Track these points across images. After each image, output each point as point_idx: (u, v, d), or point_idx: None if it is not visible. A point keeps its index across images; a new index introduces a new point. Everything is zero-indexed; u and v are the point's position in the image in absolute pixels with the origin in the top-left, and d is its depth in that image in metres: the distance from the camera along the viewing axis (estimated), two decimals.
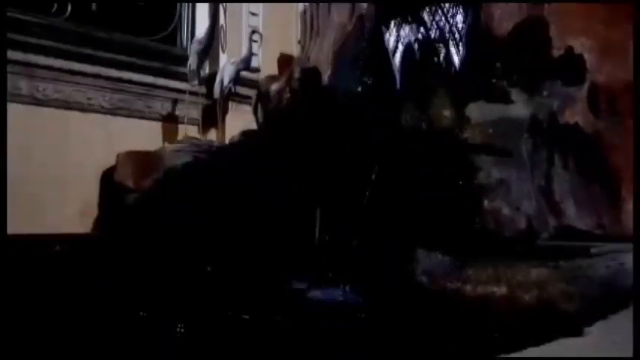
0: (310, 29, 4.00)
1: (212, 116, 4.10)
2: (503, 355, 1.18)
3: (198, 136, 3.95)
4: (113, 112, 3.71)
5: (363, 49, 3.15)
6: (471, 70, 2.74)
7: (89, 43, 3.66)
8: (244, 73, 4.10)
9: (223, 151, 3.34)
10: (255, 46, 4.14)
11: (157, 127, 3.93)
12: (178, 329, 1.61)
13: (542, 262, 1.69)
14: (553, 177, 2.30)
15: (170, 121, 3.99)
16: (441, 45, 2.91)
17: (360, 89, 3.02)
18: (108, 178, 3.32)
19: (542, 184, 2.25)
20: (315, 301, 1.87)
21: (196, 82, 3.95)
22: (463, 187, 2.03)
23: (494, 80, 2.52)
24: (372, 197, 2.00)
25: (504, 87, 2.43)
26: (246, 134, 3.21)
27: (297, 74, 3.69)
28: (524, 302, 1.62)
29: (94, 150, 3.50)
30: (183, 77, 3.95)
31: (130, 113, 3.79)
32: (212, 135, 4.14)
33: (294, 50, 4.49)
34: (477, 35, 2.79)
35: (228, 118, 4.17)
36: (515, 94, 2.36)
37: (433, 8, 2.96)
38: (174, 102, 3.99)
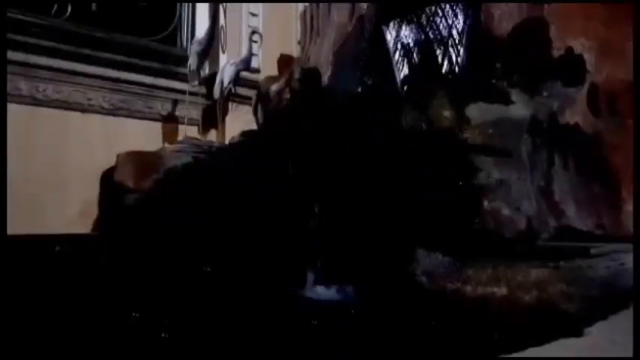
0: (310, 30, 4.01)
1: (212, 117, 4.10)
2: (503, 356, 1.18)
3: (198, 136, 3.95)
4: (113, 112, 3.71)
5: (363, 49, 3.15)
6: (471, 70, 2.74)
7: (89, 44, 3.66)
8: (244, 74, 4.10)
9: (223, 152, 3.34)
10: (255, 46, 4.14)
11: (157, 127, 3.93)
12: (178, 329, 1.61)
13: (542, 262, 1.69)
14: (553, 177, 2.29)
15: (170, 121, 3.99)
16: (441, 45, 2.91)
17: (360, 89, 3.03)
18: (108, 179, 3.32)
19: (542, 185, 2.25)
20: (314, 302, 1.87)
21: (196, 82, 3.95)
22: (463, 187, 2.03)
23: (494, 81, 2.52)
24: (372, 197, 2.00)
25: (504, 87, 2.43)
26: (246, 135, 3.21)
27: (297, 75, 3.70)
28: (524, 303, 1.62)
29: (94, 150, 3.50)
30: (183, 78, 3.95)
31: (130, 114, 3.79)
32: (212, 135, 4.14)
33: (294, 51, 4.50)
34: (476, 36, 2.79)
35: (228, 118, 4.17)
36: (515, 94, 2.36)
37: (433, 9, 2.96)
38: (175, 102, 3.99)
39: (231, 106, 4.20)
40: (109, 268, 2.18)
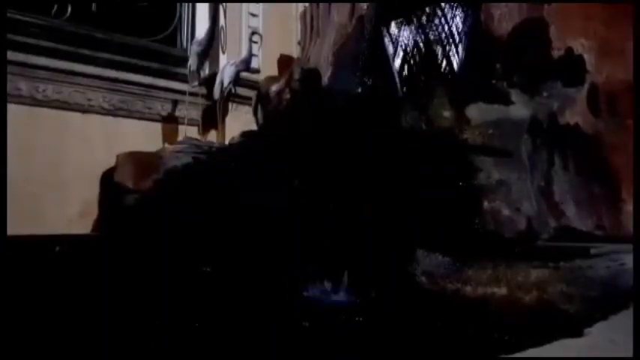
0: (310, 30, 4.01)
1: (212, 117, 4.10)
2: (503, 356, 1.18)
3: (198, 137, 3.95)
4: (113, 113, 3.71)
5: (363, 49, 3.15)
6: (471, 70, 2.74)
7: (89, 44, 3.66)
8: (244, 74, 4.10)
9: (223, 152, 3.34)
10: (255, 47, 4.14)
11: (156, 127, 3.93)
12: (178, 329, 1.61)
13: (542, 262, 1.69)
14: (553, 178, 2.29)
15: (170, 122, 3.99)
16: (441, 46, 2.91)
17: (360, 90, 3.03)
18: (108, 179, 3.32)
19: (542, 185, 2.25)
20: (314, 302, 1.87)
21: (196, 83, 3.95)
22: (463, 187, 2.03)
23: (494, 81, 2.52)
24: (372, 197, 2.00)
25: (504, 88, 2.43)
26: (246, 135, 3.21)
27: (297, 75, 3.70)
28: (524, 303, 1.62)
29: (94, 150, 3.50)
30: (183, 78, 3.95)
31: (130, 114, 3.79)
32: (212, 136, 4.14)
33: (294, 51, 4.50)
34: (476, 36, 2.79)
35: (228, 119, 4.17)
36: (515, 94, 2.36)
37: (433, 9, 2.96)
38: (175, 103, 3.99)
39: (231, 106, 4.20)
40: (109, 268, 2.18)
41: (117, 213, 3.11)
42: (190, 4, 4.34)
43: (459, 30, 2.88)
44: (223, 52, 4.27)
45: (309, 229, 2.01)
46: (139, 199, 2.92)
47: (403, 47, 3.05)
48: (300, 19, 4.33)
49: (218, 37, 4.18)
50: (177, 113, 4.00)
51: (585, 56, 2.46)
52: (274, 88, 3.95)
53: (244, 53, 4.13)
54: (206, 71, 4.19)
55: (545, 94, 2.42)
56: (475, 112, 2.26)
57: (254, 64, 4.16)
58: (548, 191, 2.27)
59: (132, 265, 2.15)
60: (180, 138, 3.87)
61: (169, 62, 4.09)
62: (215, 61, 4.22)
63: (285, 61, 4.25)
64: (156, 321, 1.69)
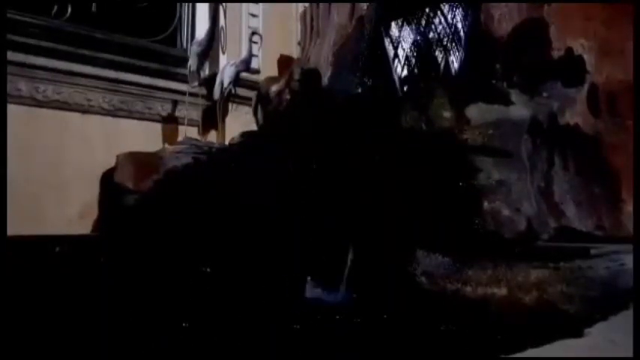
0: (310, 30, 4.01)
1: (212, 117, 4.10)
2: (503, 356, 1.18)
3: (198, 137, 3.95)
4: (113, 113, 3.71)
5: (362, 50, 3.15)
6: (471, 70, 2.74)
7: (89, 45, 3.66)
8: (244, 75, 4.10)
9: (223, 153, 3.34)
10: (255, 47, 4.14)
11: (156, 128, 3.93)
12: (178, 330, 1.61)
13: (542, 263, 1.69)
14: (553, 178, 2.29)
15: (170, 122, 3.99)
16: (441, 46, 2.92)
17: (360, 90, 3.03)
18: (108, 179, 3.32)
19: (542, 185, 2.25)
20: (314, 302, 1.87)
21: (196, 83, 3.95)
22: (463, 187, 2.03)
23: (494, 81, 2.53)
24: (372, 197, 2.00)
25: (504, 88, 2.43)
26: (246, 135, 3.21)
27: (297, 75, 3.70)
28: (524, 303, 1.62)
29: (94, 151, 3.50)
30: (183, 79, 3.95)
31: (130, 114, 3.79)
32: (212, 136, 4.14)
33: (294, 51, 4.50)
34: (476, 36, 2.79)
35: (228, 119, 4.17)
36: (515, 95, 2.36)
37: (433, 9, 2.96)
38: (174, 103, 3.99)
39: (231, 106, 4.20)
40: (108, 268, 2.18)
41: (117, 213, 3.11)
42: (190, 4, 4.34)
43: (459, 30, 2.88)
44: (223, 53, 4.27)
45: (309, 229, 2.01)
46: (139, 200, 2.93)
47: (403, 47, 3.05)
48: (300, 19, 4.33)
49: (218, 38, 4.18)
50: (177, 113, 3.99)
51: (585, 56, 2.46)
52: (274, 88, 3.95)
53: (244, 53, 4.13)
54: (206, 72, 4.19)
55: (545, 94, 2.42)
56: (475, 112, 2.26)
57: (254, 64, 4.16)
58: (548, 191, 2.26)
59: (132, 266, 2.15)
60: (180, 138, 3.87)
61: (169, 63, 4.09)
62: (215, 62, 4.22)
63: (285, 62, 4.25)
64: (156, 321, 1.69)
